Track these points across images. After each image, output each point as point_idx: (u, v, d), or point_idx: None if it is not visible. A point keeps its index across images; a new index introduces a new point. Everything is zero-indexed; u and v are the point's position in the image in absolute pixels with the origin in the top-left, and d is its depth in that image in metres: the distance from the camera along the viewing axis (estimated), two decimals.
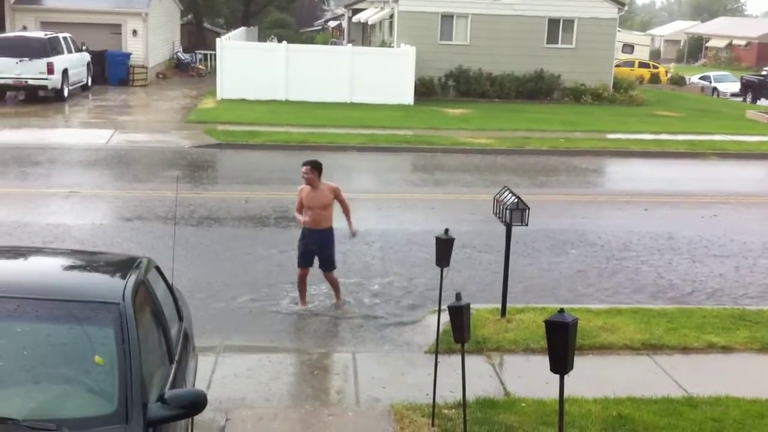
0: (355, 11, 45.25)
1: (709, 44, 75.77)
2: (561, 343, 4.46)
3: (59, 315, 4.74)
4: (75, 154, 18.80)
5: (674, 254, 12.58)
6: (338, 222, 9.85)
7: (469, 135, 23.04)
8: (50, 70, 25.36)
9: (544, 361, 7.87)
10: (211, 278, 10.57)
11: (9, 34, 27.95)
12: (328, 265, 9.68)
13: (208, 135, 21.28)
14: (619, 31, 36.93)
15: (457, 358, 7.42)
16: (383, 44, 35.22)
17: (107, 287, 5.22)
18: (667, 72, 50.47)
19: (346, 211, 9.65)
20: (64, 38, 27.30)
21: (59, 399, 4.46)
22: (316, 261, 9.70)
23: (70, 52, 27.26)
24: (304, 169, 9.46)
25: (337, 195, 9.55)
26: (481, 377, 7.73)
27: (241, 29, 41.91)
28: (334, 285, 9.81)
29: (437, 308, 7.36)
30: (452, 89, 31.77)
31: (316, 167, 9.48)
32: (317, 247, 9.56)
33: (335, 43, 49.53)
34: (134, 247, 11.44)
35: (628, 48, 60.55)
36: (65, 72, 26.32)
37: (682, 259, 12.33)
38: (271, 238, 12.72)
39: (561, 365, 4.50)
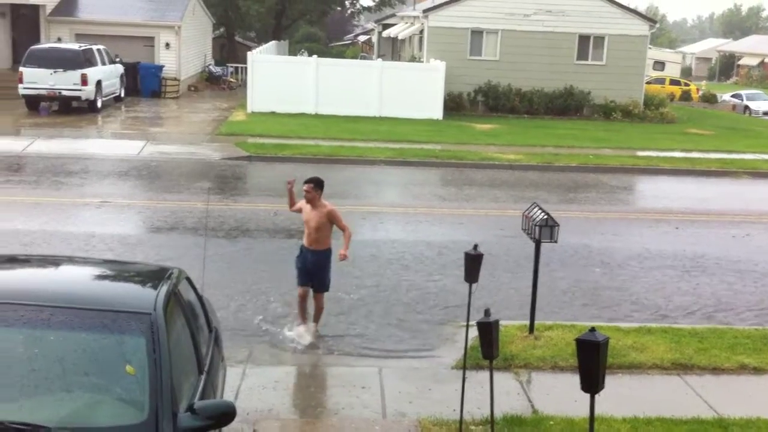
0: (386, 26, 45.45)
1: (741, 62, 75.11)
2: (592, 362, 4.43)
3: (91, 324, 4.80)
4: (107, 164, 19.02)
5: (705, 273, 12.44)
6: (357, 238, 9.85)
7: (497, 150, 23.00)
8: (84, 81, 25.70)
9: (572, 378, 7.85)
10: (239, 289, 10.63)
11: (44, 45, 28.35)
12: (318, 287, 9.32)
13: (239, 147, 21.44)
14: (650, 48, 36.74)
15: (485, 374, 7.40)
16: (413, 59, 35.31)
17: (139, 297, 5.27)
18: (698, 89, 50.08)
19: (345, 236, 9.26)
20: (98, 50, 27.66)
21: (90, 407, 4.51)
22: None
23: (103, 63, 27.61)
24: (306, 186, 9.19)
25: (331, 219, 9.17)
26: (508, 394, 7.70)
27: (272, 43, 42.22)
28: (318, 308, 9.34)
29: (465, 323, 7.34)
30: (481, 104, 31.76)
31: (318, 186, 9.21)
32: (312, 267, 9.24)
33: (365, 58, 49.75)
34: (164, 257, 11.53)
35: (659, 65, 60.20)
36: (99, 83, 26.66)
37: (713, 279, 12.20)
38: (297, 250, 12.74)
39: (592, 384, 4.47)
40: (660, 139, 26.87)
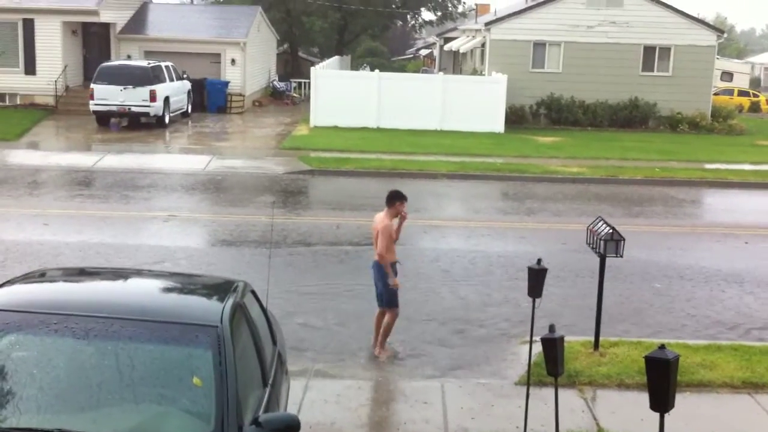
0: (447, 39, 45.49)
1: None
2: (661, 380, 4.35)
3: (159, 336, 4.89)
4: (174, 178, 19.41)
5: None
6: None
7: (560, 163, 22.78)
8: (152, 97, 26.30)
9: (638, 397, 7.72)
10: (302, 303, 10.72)
11: (114, 62, 29.12)
12: (378, 301, 9.27)
13: (302, 161, 21.67)
14: (717, 58, 35.98)
15: (548, 390, 7.32)
16: (474, 72, 35.24)
17: (205, 310, 5.35)
18: (767, 100, 48.83)
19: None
20: (166, 67, 28.29)
21: (157, 419, 4.59)
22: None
23: (171, 80, 28.22)
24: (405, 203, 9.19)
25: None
26: (573, 411, 7.59)
27: (335, 58, 42.63)
28: (389, 328, 9.16)
29: (529, 339, 7.27)
30: (543, 117, 31.51)
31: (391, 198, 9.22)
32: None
33: (426, 71, 49.84)
34: (229, 270, 11.69)
35: (727, 76, 58.83)
36: (167, 99, 27.26)
37: None
38: (360, 262, 12.81)
39: (661, 403, 4.39)
40: (728, 152, 26.26)
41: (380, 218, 9.18)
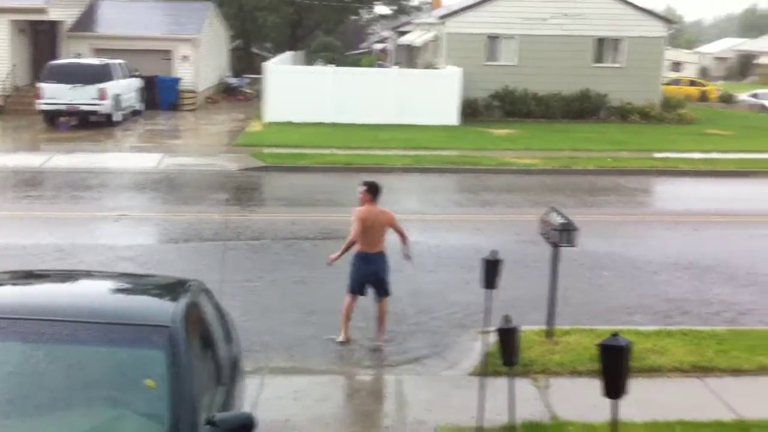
0: (401, 33, 45.52)
1: (758, 61, 74.56)
2: (615, 367, 4.42)
3: (111, 338, 4.83)
4: (125, 177, 19.18)
5: (723, 275, 12.35)
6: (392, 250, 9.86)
7: (515, 155, 22.98)
8: (102, 95, 25.96)
9: (591, 383, 7.82)
10: (258, 300, 10.68)
11: (63, 60, 28.67)
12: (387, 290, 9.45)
13: (255, 158, 21.55)
14: (667, 49, 36.57)
15: (503, 380, 7.40)
16: (429, 66, 35.33)
17: (158, 310, 5.30)
18: (716, 90, 49.76)
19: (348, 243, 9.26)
20: (117, 64, 27.92)
21: (111, 422, 4.55)
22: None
23: (121, 78, 27.86)
24: (360, 189, 9.39)
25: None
26: (527, 400, 7.67)
27: (289, 53, 42.41)
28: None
29: (484, 330, 7.34)
30: (498, 110, 31.72)
31: (371, 189, 9.41)
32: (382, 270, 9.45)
33: (381, 66, 49.83)
34: (183, 269, 11.58)
35: (677, 66, 59.92)
36: (117, 97, 26.90)
37: (731, 280, 12.12)
38: (316, 259, 12.80)
39: (615, 390, 4.46)
40: (678, 141, 26.74)
41: (376, 211, 9.28)
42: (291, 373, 8.49)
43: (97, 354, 4.80)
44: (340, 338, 9.32)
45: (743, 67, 77.02)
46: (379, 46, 68.73)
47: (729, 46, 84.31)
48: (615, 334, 4.65)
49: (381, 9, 57.73)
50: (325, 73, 29.54)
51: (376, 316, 9.37)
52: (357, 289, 9.33)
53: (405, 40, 41.80)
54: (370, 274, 9.26)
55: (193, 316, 5.39)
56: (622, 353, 4.52)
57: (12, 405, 4.52)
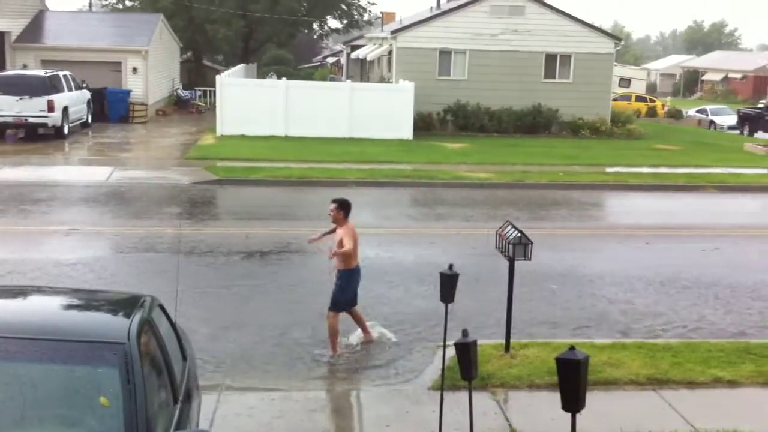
0: (354, 47, 45.62)
1: (705, 78, 76.34)
2: (572, 380, 4.42)
3: (63, 355, 4.71)
4: (75, 191, 18.82)
5: (675, 287, 12.53)
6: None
7: (468, 169, 23.10)
8: (50, 107, 25.47)
9: (549, 396, 7.85)
10: (213, 316, 10.52)
11: (9, 72, 28.11)
12: (329, 304, 9.43)
13: (208, 171, 21.32)
14: (615, 65, 37.21)
15: (461, 394, 7.38)
16: (382, 80, 35.44)
17: (112, 327, 5.18)
18: (663, 105, 50.76)
19: (339, 247, 9.29)
20: (65, 76, 27.45)
21: None
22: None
23: (70, 89, 27.39)
24: (330, 207, 9.45)
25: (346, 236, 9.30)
26: (486, 414, 7.67)
27: (240, 66, 42.18)
28: (328, 328, 9.45)
29: (441, 344, 7.31)
30: (451, 124, 31.92)
31: (342, 207, 9.42)
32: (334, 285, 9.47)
33: (334, 79, 49.85)
34: (136, 284, 11.38)
35: (625, 82, 60.99)
36: (65, 110, 26.43)
37: (683, 293, 12.28)
38: (272, 273, 12.69)
39: (573, 403, 4.45)
40: (628, 156, 27.16)
41: (339, 226, 9.39)
42: (247, 390, 8.36)
43: (49, 372, 4.67)
44: (331, 353, 9.31)
45: (690, 83, 78.76)
46: (331, 59, 68.79)
47: (676, 62, 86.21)
48: (572, 348, 4.65)
49: (333, 23, 57.85)
50: (277, 87, 29.44)
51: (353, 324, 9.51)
52: (350, 303, 9.49)
53: (357, 54, 41.91)
54: (357, 286, 9.51)
55: (148, 332, 5.28)
56: (580, 367, 4.52)
57: None
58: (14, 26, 32.09)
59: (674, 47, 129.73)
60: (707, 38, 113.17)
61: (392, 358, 9.36)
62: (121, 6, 51.39)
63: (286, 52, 62.42)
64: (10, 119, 25.35)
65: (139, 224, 15.71)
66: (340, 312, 9.43)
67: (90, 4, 56.00)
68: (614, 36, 36.74)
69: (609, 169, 24.39)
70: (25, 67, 30.66)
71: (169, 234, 14.81)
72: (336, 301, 9.39)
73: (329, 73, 61.64)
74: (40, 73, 27.15)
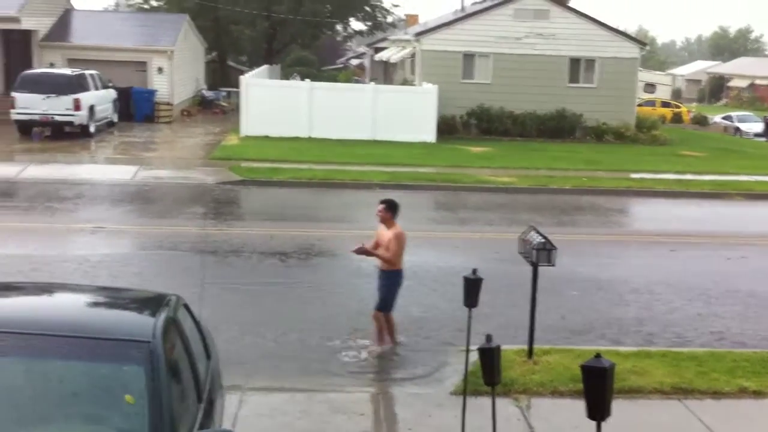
0: (378, 50, 45.65)
1: (730, 84, 75.65)
2: (598, 388, 4.37)
3: (89, 353, 4.73)
4: (100, 189, 18.95)
5: (700, 295, 12.41)
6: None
7: (491, 173, 23.03)
8: (77, 106, 25.67)
9: (572, 404, 7.80)
10: (236, 315, 10.54)
11: (36, 70, 28.36)
12: (378, 305, 9.48)
13: (232, 172, 21.41)
14: (640, 70, 36.97)
15: (484, 399, 7.34)
16: (405, 82, 35.42)
17: (137, 325, 5.20)
18: (689, 111, 50.37)
19: (382, 252, 9.32)
20: (91, 75, 27.65)
21: None
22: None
23: (96, 88, 27.59)
24: (379, 207, 9.46)
25: (395, 240, 9.32)
26: (508, 420, 7.63)
27: (264, 67, 42.33)
28: (376, 326, 9.52)
29: (464, 348, 7.28)
30: (474, 127, 31.85)
31: (390, 207, 9.45)
32: (379, 286, 9.50)
33: (357, 81, 49.88)
34: (160, 283, 11.42)
35: (650, 87, 60.59)
36: (92, 108, 26.63)
37: (709, 301, 12.17)
38: (295, 274, 12.70)
39: (598, 411, 4.40)
40: (653, 161, 26.96)
41: (387, 227, 9.44)
42: (270, 390, 8.37)
43: (76, 369, 4.71)
44: (393, 342, 9.50)
45: (715, 89, 78.09)
46: (355, 61, 68.86)
47: (701, 68, 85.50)
48: (597, 355, 4.60)
49: (357, 25, 57.86)
50: (301, 88, 29.51)
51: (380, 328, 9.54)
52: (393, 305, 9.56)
53: (381, 56, 41.93)
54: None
55: (173, 331, 5.29)
56: (606, 374, 4.47)
57: None
58: (41, 25, 32.38)
59: (700, 53, 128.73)
60: (733, 44, 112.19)
61: (415, 361, 9.34)
62: (147, 6, 51.73)
63: (310, 54, 62.60)
64: (36, 117, 25.56)
65: (163, 223, 15.79)
66: (389, 313, 9.48)
67: (116, 4, 56.44)
68: (639, 41, 36.52)
69: (633, 175, 24.22)
70: (52, 65, 30.91)
71: (193, 233, 14.87)
72: (386, 302, 9.44)
73: (353, 75, 61.73)
74: (67, 71, 27.37)
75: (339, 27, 58.25)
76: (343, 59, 75.00)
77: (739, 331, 10.94)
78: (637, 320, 11.18)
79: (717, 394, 8.43)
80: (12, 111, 25.62)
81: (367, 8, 54.28)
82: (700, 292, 12.60)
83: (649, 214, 19.90)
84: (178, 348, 5.33)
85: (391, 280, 9.43)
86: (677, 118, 47.84)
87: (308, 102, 28.46)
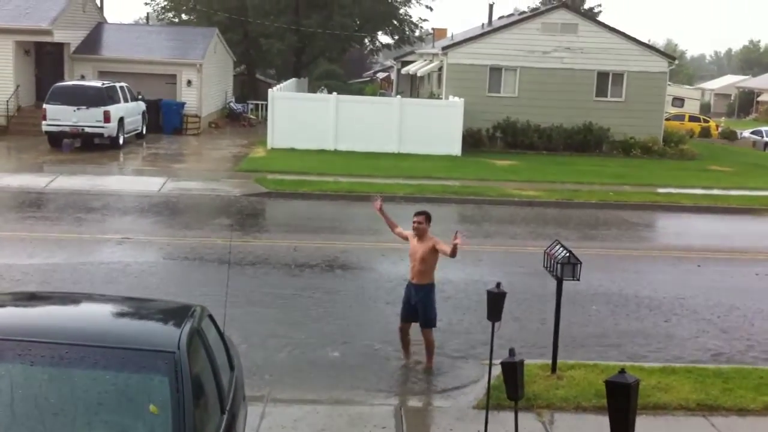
0: (405, 63, 45.75)
1: (760, 98, 74.86)
2: (622, 404, 4.36)
3: (114, 363, 4.79)
4: (128, 200, 19.16)
5: (729, 312, 12.28)
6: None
7: (517, 186, 22.98)
8: (107, 118, 25.99)
9: (596, 419, 7.76)
10: (259, 326, 10.60)
11: (67, 82, 28.76)
12: (425, 323, 9.38)
13: (258, 184, 21.54)
14: (669, 84, 36.74)
15: (506, 414, 7.33)
16: (432, 96, 35.48)
17: (162, 335, 5.26)
18: (717, 126, 49.93)
19: (454, 247, 8.88)
20: (121, 87, 27.99)
21: None
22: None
23: (126, 101, 27.92)
24: (416, 218, 9.38)
25: (437, 249, 9.19)
26: None
27: (292, 80, 42.60)
28: (427, 344, 9.45)
29: (487, 362, 7.28)
30: (500, 141, 31.80)
31: (429, 219, 9.43)
32: (417, 302, 9.35)
33: (384, 95, 50.03)
34: (186, 294, 11.53)
35: (678, 101, 60.11)
36: (121, 120, 26.95)
37: (737, 318, 12.05)
38: (319, 285, 12.74)
39: (622, 427, 4.39)
40: (680, 176, 26.75)
41: (421, 239, 9.38)
42: (292, 402, 8.41)
43: (100, 378, 4.75)
44: (428, 366, 9.45)
45: (745, 103, 77.34)
46: (381, 75, 69.08)
47: (731, 82, 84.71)
48: (622, 371, 4.59)
49: (384, 39, 58.06)
50: (328, 101, 29.65)
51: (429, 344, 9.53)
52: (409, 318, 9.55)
53: (408, 69, 42.02)
54: None
55: (197, 341, 5.34)
56: (630, 390, 4.46)
57: (13, 428, 4.45)
58: (73, 38, 32.85)
59: (729, 67, 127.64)
60: (763, 58, 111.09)
61: (437, 375, 9.33)
62: (177, 19, 52.30)
63: (337, 67, 62.89)
64: (67, 129, 25.92)
65: (189, 234, 15.93)
66: (435, 327, 9.42)
67: (147, 17, 57.12)
68: (668, 55, 36.31)
69: (660, 190, 24.05)
70: (82, 77, 31.34)
71: (218, 245, 14.98)
72: (430, 318, 9.36)
73: (379, 88, 61.93)
74: (97, 84, 27.72)
75: (367, 41, 58.50)
76: (370, 72, 75.29)
77: (766, 347, 10.81)
78: (662, 336, 11.08)
79: (743, 411, 8.34)
80: (43, 122, 26.01)
81: (395, 22, 54.48)
82: (727, 308, 12.48)
83: (676, 229, 19.73)
84: (202, 359, 5.37)
85: (428, 293, 9.34)
86: (705, 133, 47.42)
87: (334, 115, 28.60)
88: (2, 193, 19.36)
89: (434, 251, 9.21)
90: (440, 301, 12.11)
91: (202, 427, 4.75)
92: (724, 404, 8.42)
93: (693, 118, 50.14)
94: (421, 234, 9.33)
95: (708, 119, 52.20)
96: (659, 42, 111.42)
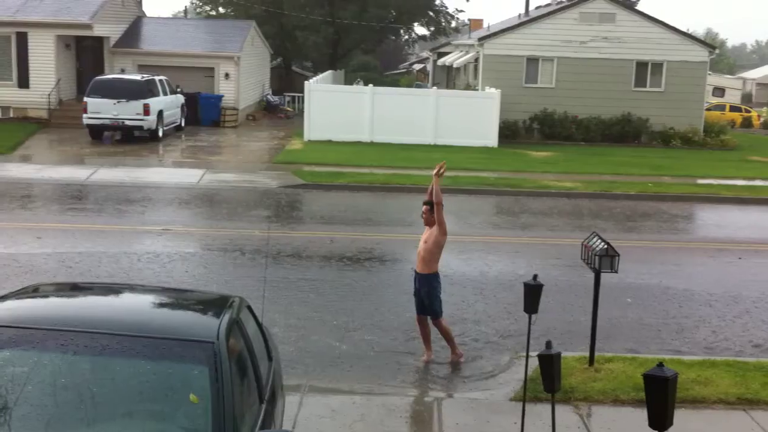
0: (441, 54, 45.63)
1: None
2: (660, 397, 4.32)
3: (155, 352, 4.84)
4: (168, 192, 19.38)
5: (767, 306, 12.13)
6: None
7: (554, 178, 22.83)
8: (146, 111, 26.30)
9: (634, 413, 7.71)
10: (297, 317, 10.68)
11: (108, 76, 29.12)
12: (432, 315, 9.41)
13: (295, 175, 21.67)
14: (709, 74, 36.18)
15: (543, 406, 7.32)
16: (468, 87, 35.35)
17: (202, 326, 5.32)
18: (759, 116, 49.08)
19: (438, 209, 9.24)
20: (160, 80, 28.30)
21: None
22: None
23: (165, 94, 28.22)
24: (423, 209, 9.50)
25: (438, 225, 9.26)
26: (568, 428, 7.57)
27: (328, 72, 42.71)
28: (443, 335, 9.47)
29: (524, 354, 7.27)
30: (537, 132, 31.60)
31: (432, 208, 9.48)
32: (422, 292, 9.40)
33: (420, 86, 49.95)
34: (225, 284, 11.66)
35: (719, 91, 59.16)
36: (160, 113, 27.25)
37: None
38: (354, 276, 12.80)
39: (660, 421, 4.36)
40: (721, 167, 26.36)
41: (431, 226, 9.45)
42: (330, 392, 8.47)
43: (142, 368, 4.81)
44: (453, 356, 9.44)
45: None
46: (417, 66, 68.95)
47: None
48: (660, 364, 4.55)
49: (420, 30, 57.94)
50: (364, 93, 29.67)
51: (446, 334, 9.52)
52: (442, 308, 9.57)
53: (444, 60, 41.91)
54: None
55: (236, 332, 5.40)
56: (668, 384, 4.42)
57: (55, 417, 4.54)
58: (113, 32, 33.25)
59: None
60: None
61: (474, 367, 9.34)
62: (214, 13, 52.67)
63: (373, 59, 62.94)
64: (107, 122, 26.29)
65: (228, 226, 16.08)
66: (443, 315, 9.43)
67: (185, 11, 57.61)
68: (708, 44, 35.76)
69: (700, 181, 23.73)
70: (122, 71, 31.72)
71: (256, 236, 15.11)
72: (436, 309, 9.37)
73: (415, 79, 61.84)
74: (137, 77, 28.04)
75: (402, 32, 58.44)
76: (405, 64, 75.17)
77: None
78: (703, 329, 10.96)
79: None
80: (84, 115, 26.40)
81: (431, 13, 54.34)
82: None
83: (716, 221, 19.46)
84: (241, 349, 5.43)
85: (431, 283, 9.36)
86: (747, 123, 46.66)
87: (370, 107, 28.63)
88: (45, 185, 19.71)
89: (436, 238, 9.27)
90: (475, 292, 12.14)
91: (241, 415, 4.81)
92: (765, 398, 8.30)
93: (734, 108, 49.34)
94: (428, 223, 9.45)
95: (749, 109, 51.32)
96: (699, 31, 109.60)
